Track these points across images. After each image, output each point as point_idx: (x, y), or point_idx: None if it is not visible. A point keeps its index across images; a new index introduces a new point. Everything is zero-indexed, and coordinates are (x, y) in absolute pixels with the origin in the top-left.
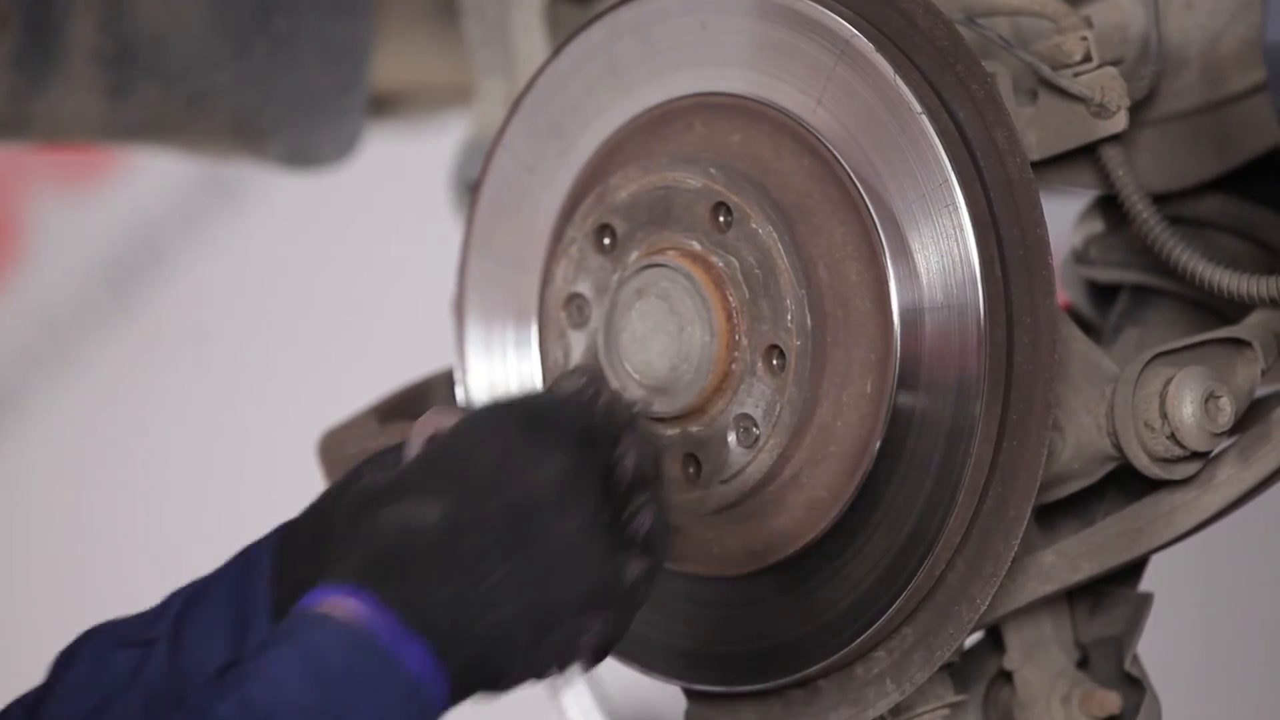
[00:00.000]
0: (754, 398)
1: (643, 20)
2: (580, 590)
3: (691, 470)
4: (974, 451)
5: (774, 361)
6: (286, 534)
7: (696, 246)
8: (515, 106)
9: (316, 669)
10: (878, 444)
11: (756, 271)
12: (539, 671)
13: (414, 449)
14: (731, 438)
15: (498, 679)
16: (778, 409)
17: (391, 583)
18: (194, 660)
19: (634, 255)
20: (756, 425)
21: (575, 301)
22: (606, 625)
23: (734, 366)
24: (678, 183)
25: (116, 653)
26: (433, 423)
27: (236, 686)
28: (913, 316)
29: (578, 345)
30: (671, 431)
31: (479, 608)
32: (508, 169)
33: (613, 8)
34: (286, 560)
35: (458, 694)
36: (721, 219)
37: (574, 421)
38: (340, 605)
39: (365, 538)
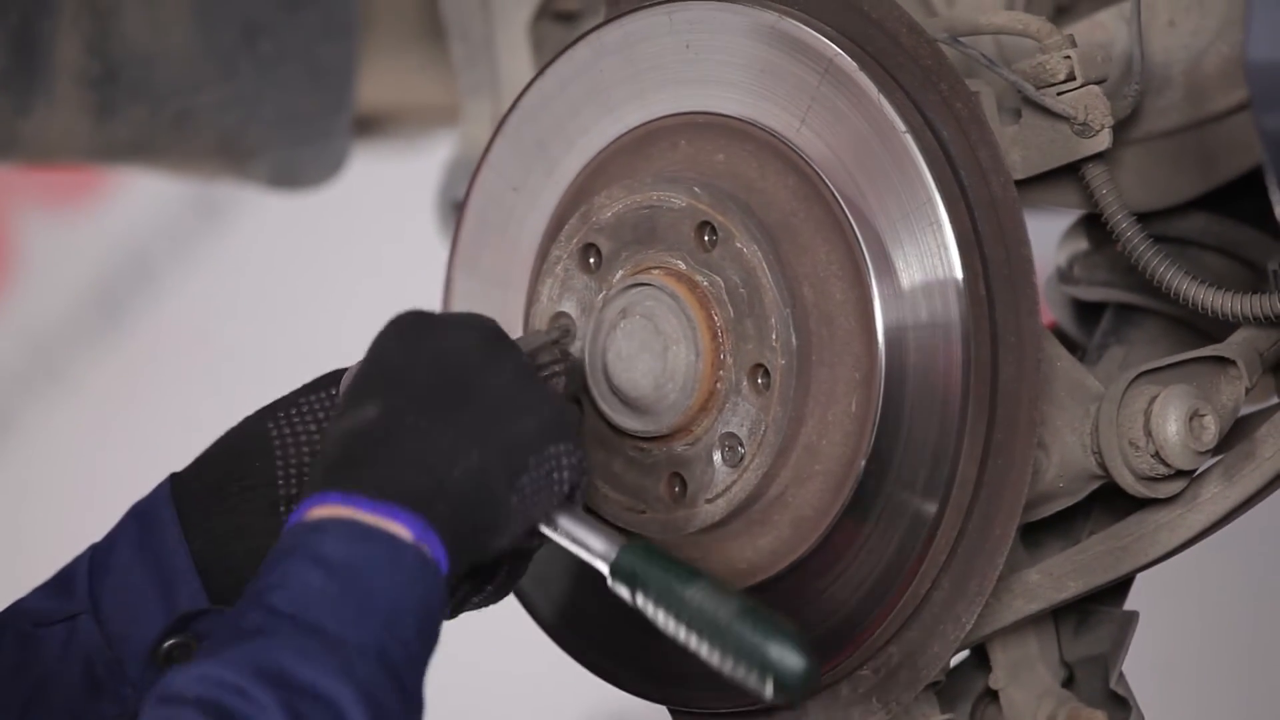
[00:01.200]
0: (739, 417)
1: (627, 40)
2: (532, 426)
3: (677, 489)
4: (959, 471)
5: (759, 380)
6: (179, 487)
7: (681, 265)
8: (500, 126)
9: (328, 567)
10: (863, 462)
11: (741, 290)
12: (526, 518)
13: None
14: (717, 456)
15: (489, 530)
16: (763, 428)
17: (353, 475)
18: (123, 626)
19: (619, 274)
20: (742, 444)
21: (561, 320)
22: (570, 458)
23: (719, 385)
24: (662, 202)
25: (40, 631)
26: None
27: (259, 602)
28: (897, 335)
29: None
30: (657, 451)
31: (444, 465)
32: (493, 188)
33: (597, 28)
34: (190, 510)
35: (456, 553)
36: (706, 238)
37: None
38: (319, 510)
39: (320, 458)
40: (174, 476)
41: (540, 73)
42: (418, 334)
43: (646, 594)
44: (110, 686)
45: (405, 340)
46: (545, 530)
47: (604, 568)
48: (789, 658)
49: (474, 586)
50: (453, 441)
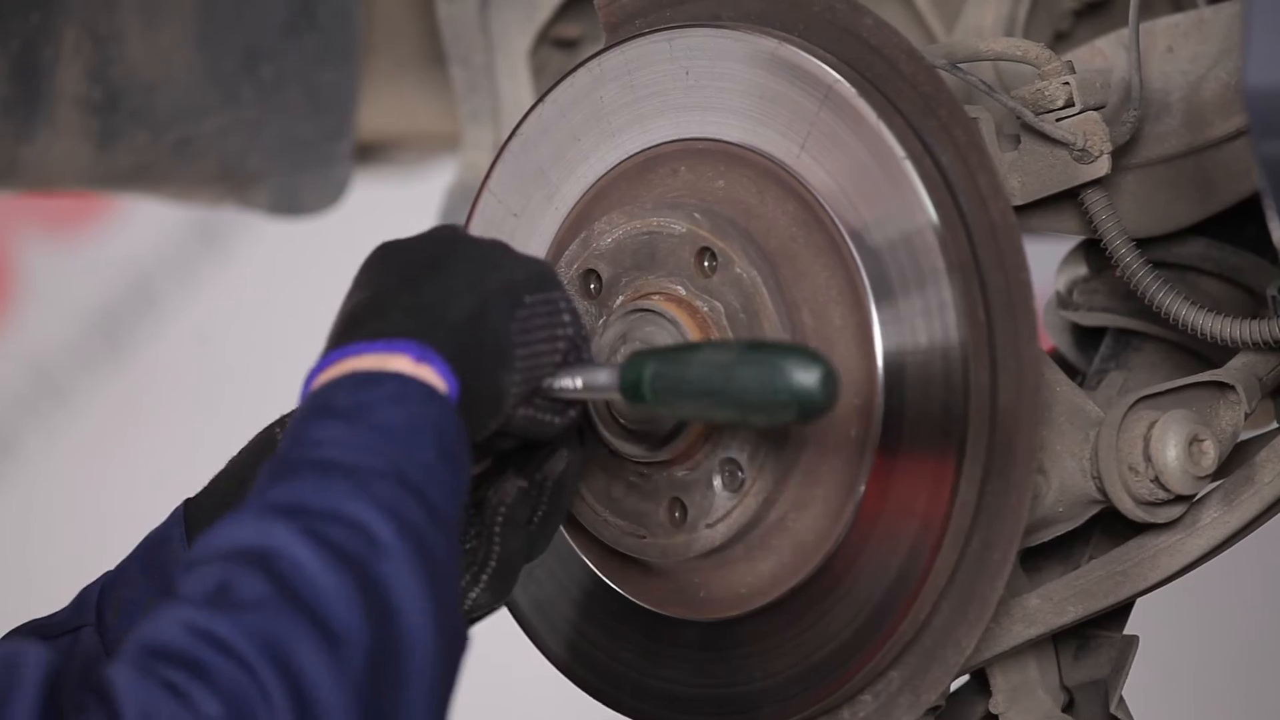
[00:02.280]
0: (739, 442)
1: (627, 66)
2: (524, 274)
3: (677, 514)
4: (958, 496)
5: None
6: (191, 508)
7: (681, 291)
8: (501, 151)
9: (335, 413)
10: (862, 488)
11: (741, 316)
12: (531, 359)
13: None
14: (717, 482)
15: (494, 356)
16: (762, 453)
17: (355, 332)
18: (123, 636)
19: (619, 299)
20: (742, 469)
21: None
22: (567, 304)
23: None
24: (662, 228)
25: (42, 645)
26: None
27: (274, 461)
28: (896, 362)
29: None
30: (657, 476)
31: (441, 305)
32: (493, 213)
33: (596, 55)
34: (199, 524)
35: (463, 375)
36: (706, 263)
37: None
38: (323, 375)
39: (336, 324)
40: (187, 500)
41: (541, 99)
42: (402, 240)
43: (658, 392)
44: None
45: (390, 245)
46: (556, 385)
47: (616, 395)
48: (801, 374)
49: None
50: (446, 287)
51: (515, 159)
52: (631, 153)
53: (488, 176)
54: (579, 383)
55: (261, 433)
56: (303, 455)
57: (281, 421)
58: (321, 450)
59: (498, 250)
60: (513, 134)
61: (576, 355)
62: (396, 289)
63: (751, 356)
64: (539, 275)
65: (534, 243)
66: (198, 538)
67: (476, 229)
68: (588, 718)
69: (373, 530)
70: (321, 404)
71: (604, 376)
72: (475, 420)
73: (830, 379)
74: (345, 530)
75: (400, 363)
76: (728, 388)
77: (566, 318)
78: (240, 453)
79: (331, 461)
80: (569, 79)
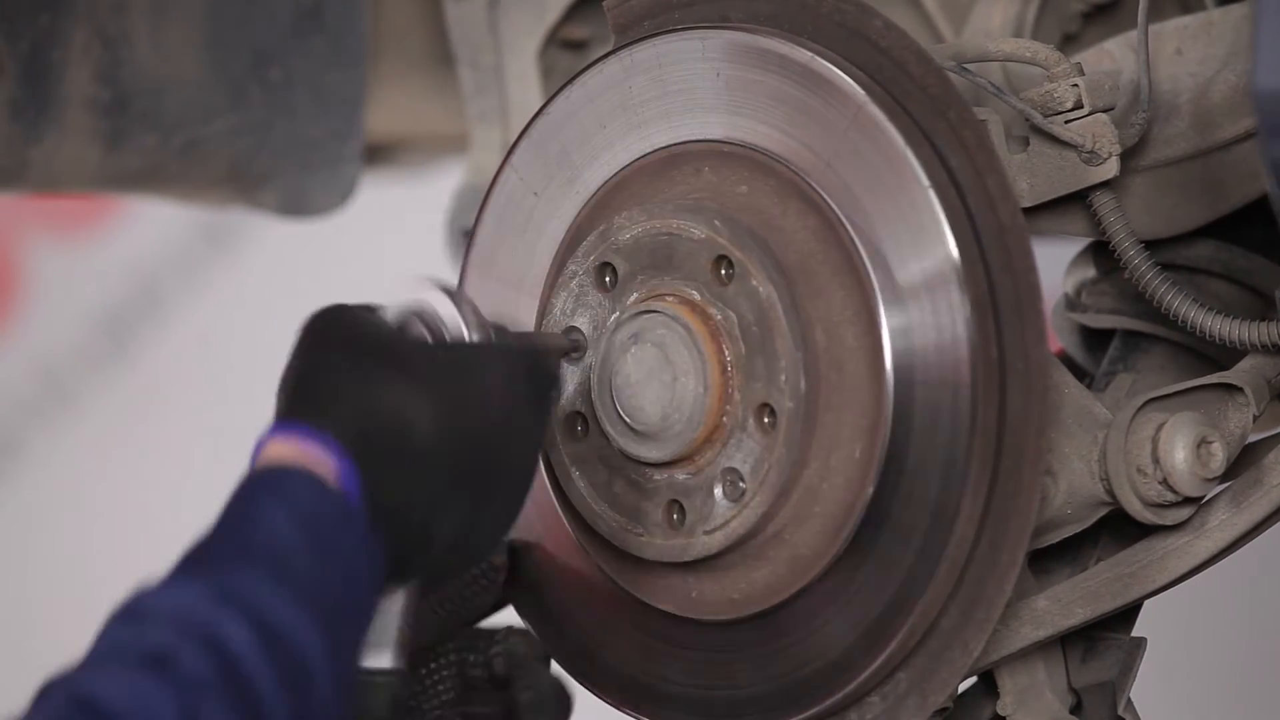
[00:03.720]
0: (743, 453)
1: (658, 60)
2: (513, 515)
3: (675, 516)
4: (961, 515)
5: (765, 420)
6: None
7: (696, 296)
8: (526, 129)
9: (299, 517)
10: (863, 510)
11: (754, 329)
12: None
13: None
14: (718, 490)
15: (404, 572)
16: (766, 467)
17: (374, 466)
18: None
19: (633, 296)
20: (743, 480)
21: (572, 335)
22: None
23: (725, 420)
24: (682, 231)
25: None
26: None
27: (236, 536)
28: (905, 386)
29: (570, 378)
30: (658, 477)
31: (428, 515)
32: (514, 190)
33: (628, 45)
34: None
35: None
36: (723, 271)
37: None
38: (321, 461)
39: (358, 400)
40: None
41: (569, 82)
42: (519, 379)
43: None
44: None
45: (500, 372)
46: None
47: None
48: None
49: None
50: (457, 502)
51: (540, 138)
52: (657, 146)
53: (511, 152)
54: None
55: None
56: (259, 543)
57: None
58: (278, 546)
59: (527, 481)
60: (539, 113)
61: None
62: (452, 455)
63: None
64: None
65: (553, 224)
66: (143, 586)
67: (496, 203)
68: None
69: (314, 672)
70: (280, 491)
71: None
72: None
73: None
74: (293, 658)
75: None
76: None
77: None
78: None
79: (286, 565)
80: (599, 65)
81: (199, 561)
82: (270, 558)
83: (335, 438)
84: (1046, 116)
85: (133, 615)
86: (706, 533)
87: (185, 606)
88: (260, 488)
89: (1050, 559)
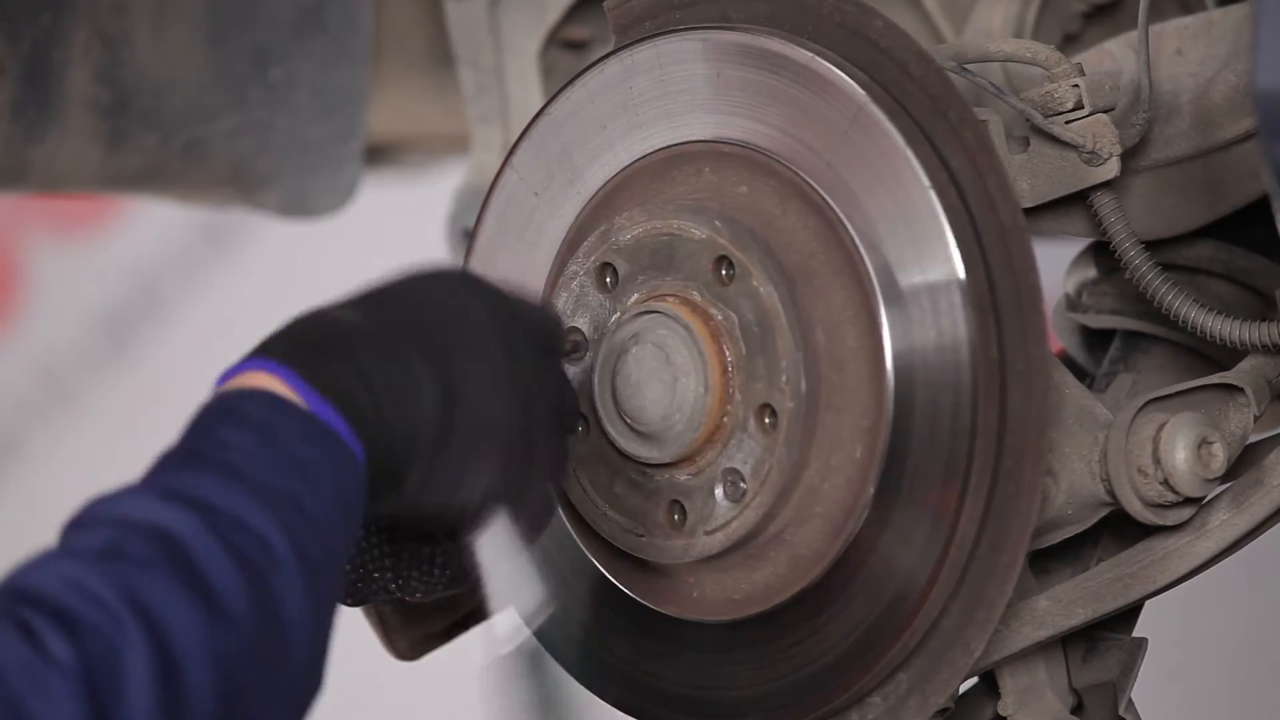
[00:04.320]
0: (744, 453)
1: (659, 61)
2: (491, 413)
3: (676, 517)
4: (966, 507)
5: (766, 420)
6: None
7: (697, 297)
8: (527, 129)
9: (252, 424)
10: (864, 511)
11: (755, 329)
12: (446, 490)
13: None
14: (719, 490)
15: (403, 467)
16: (767, 467)
17: (302, 355)
18: None
19: (634, 297)
20: (744, 480)
21: (573, 336)
22: (503, 472)
23: (726, 420)
24: (682, 231)
25: None
26: None
27: (185, 451)
28: (906, 386)
29: (572, 379)
30: (659, 477)
31: (389, 397)
32: (514, 189)
33: (629, 45)
34: None
35: (371, 475)
36: (724, 272)
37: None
38: (252, 377)
39: (288, 330)
40: None
41: (570, 83)
42: (454, 284)
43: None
44: None
45: (439, 280)
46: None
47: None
48: None
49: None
50: (418, 379)
51: (541, 138)
52: (657, 147)
53: (512, 152)
54: (492, 572)
55: None
56: (209, 452)
57: None
58: (229, 454)
59: (496, 376)
60: (540, 113)
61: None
62: (374, 335)
63: None
64: (501, 426)
65: (554, 225)
66: (101, 496)
67: (496, 204)
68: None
69: (272, 546)
70: (232, 410)
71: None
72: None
73: None
74: (246, 537)
75: (322, 414)
76: None
77: (478, 489)
78: None
79: (238, 468)
80: (599, 66)
81: (146, 475)
82: (220, 462)
83: (270, 356)
84: (1047, 117)
85: (79, 524)
86: (707, 533)
87: (130, 507)
88: (211, 411)
89: (1051, 559)
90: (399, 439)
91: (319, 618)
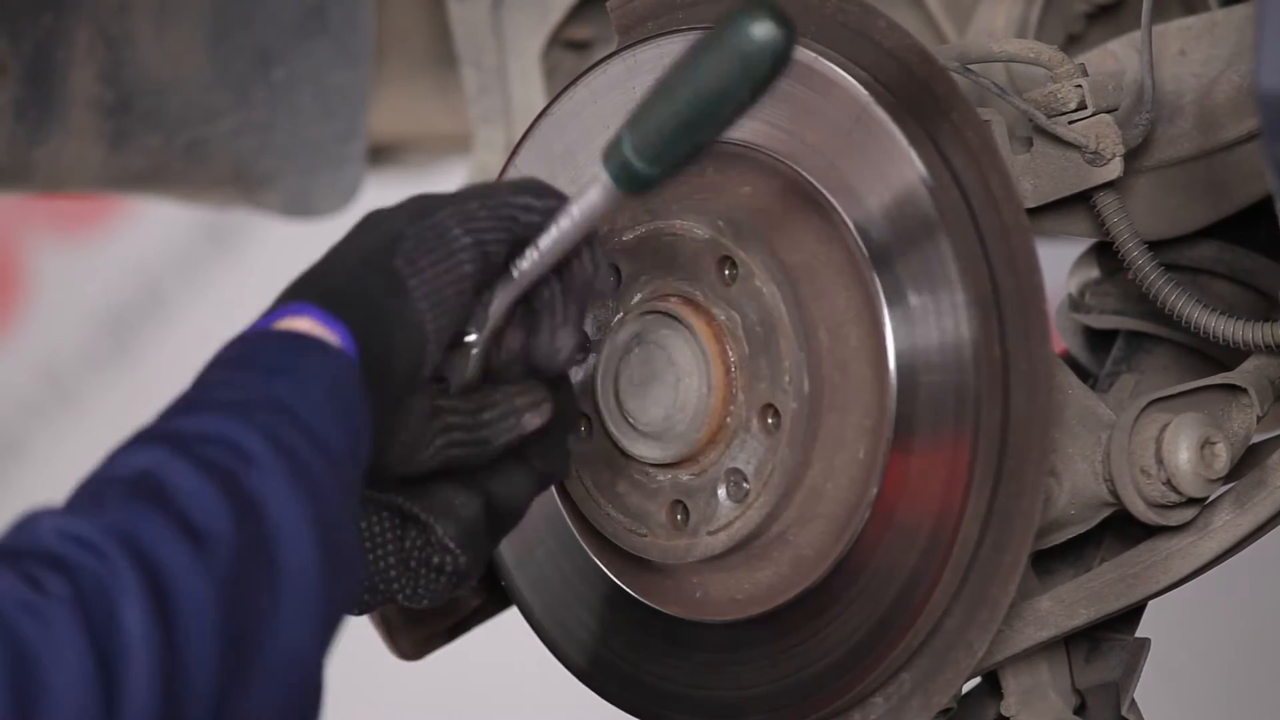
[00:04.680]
0: (746, 454)
1: (662, 61)
2: (396, 220)
3: (679, 517)
4: (969, 508)
5: (769, 420)
6: None
7: (699, 297)
8: (530, 130)
9: (217, 363)
10: (867, 511)
11: (758, 329)
12: (438, 288)
13: None
14: (722, 491)
15: (390, 299)
16: (769, 468)
17: (293, 290)
18: None
19: (637, 297)
20: (747, 481)
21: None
22: (456, 228)
23: (729, 421)
24: (685, 231)
25: None
26: None
27: (159, 414)
28: (909, 386)
29: (574, 379)
30: (662, 477)
31: (322, 274)
32: None
33: (632, 45)
34: None
35: (370, 334)
36: (727, 272)
37: None
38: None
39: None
40: None
41: (573, 83)
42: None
43: (650, 151)
44: None
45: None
46: (521, 266)
47: (612, 199)
48: (757, 30)
49: (439, 517)
50: (336, 259)
51: (544, 139)
52: None
53: (514, 153)
54: (551, 234)
55: None
56: (190, 396)
57: None
58: (207, 392)
59: (386, 210)
60: (543, 113)
61: (496, 256)
62: (352, 262)
63: (706, 47)
64: (415, 210)
65: None
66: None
67: None
68: (579, 708)
69: (244, 446)
70: (216, 358)
71: (591, 196)
72: (402, 365)
73: (785, 25)
74: (215, 447)
75: (283, 323)
76: (700, 89)
77: (457, 230)
78: None
79: (211, 399)
80: (602, 66)
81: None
82: (197, 400)
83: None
84: (1050, 117)
85: (76, 489)
86: (710, 533)
87: (117, 461)
88: (204, 366)
89: (1054, 560)
90: (360, 292)
91: (317, 503)
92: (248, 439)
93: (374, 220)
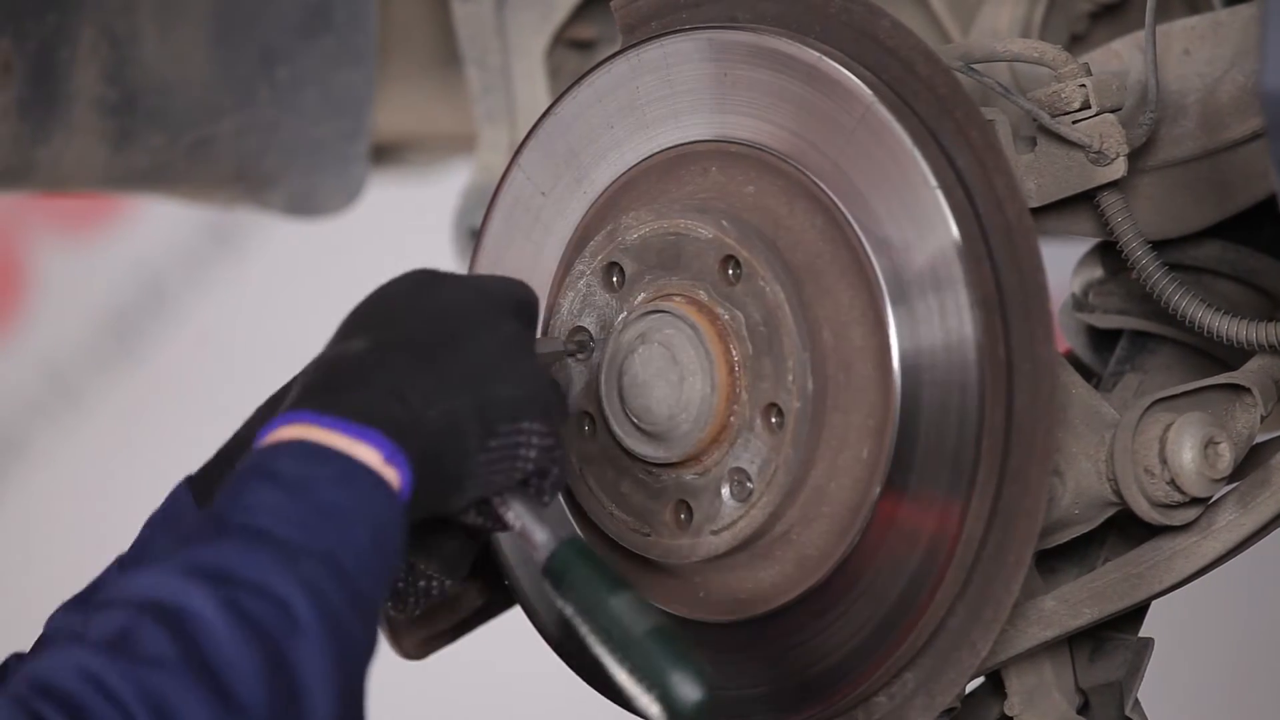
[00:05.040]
0: (750, 453)
1: (665, 61)
2: (513, 395)
3: (683, 516)
4: (972, 507)
5: (772, 420)
6: (195, 482)
7: (703, 296)
8: (534, 129)
9: (279, 481)
10: (869, 510)
11: (762, 329)
12: (486, 484)
13: None
14: (725, 490)
15: (453, 481)
16: (773, 467)
17: (332, 398)
18: None
19: (641, 296)
20: (751, 480)
21: (579, 335)
22: (543, 440)
23: (732, 420)
24: (689, 230)
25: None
26: None
27: (209, 516)
28: (913, 386)
29: (579, 378)
30: (666, 477)
31: (421, 403)
32: (521, 189)
33: (636, 45)
34: (207, 496)
35: (421, 488)
36: (730, 271)
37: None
38: (285, 430)
39: (299, 380)
40: (189, 478)
41: (576, 82)
42: (425, 283)
43: (570, 594)
44: None
45: (409, 285)
46: (499, 509)
47: (540, 558)
48: (686, 687)
49: (423, 556)
50: (435, 385)
51: (548, 138)
52: (664, 146)
53: (518, 152)
54: (518, 523)
55: (266, 402)
56: (236, 519)
57: (286, 391)
58: (256, 517)
59: (506, 354)
60: (546, 113)
61: (534, 485)
62: (392, 358)
63: (660, 641)
64: (531, 400)
65: (560, 224)
66: (130, 571)
67: (503, 203)
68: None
69: (292, 608)
70: (266, 467)
71: (540, 536)
72: (437, 511)
73: (704, 714)
74: (264, 604)
75: (365, 453)
76: (625, 644)
77: (534, 454)
78: (243, 427)
79: (263, 531)
80: (607, 65)
81: (177, 549)
82: (245, 527)
83: (296, 408)
84: (1054, 116)
85: (103, 604)
86: (714, 533)
87: (151, 585)
88: (244, 472)
89: (1058, 559)
90: (443, 434)
91: (349, 670)
92: (295, 598)
93: (495, 365)
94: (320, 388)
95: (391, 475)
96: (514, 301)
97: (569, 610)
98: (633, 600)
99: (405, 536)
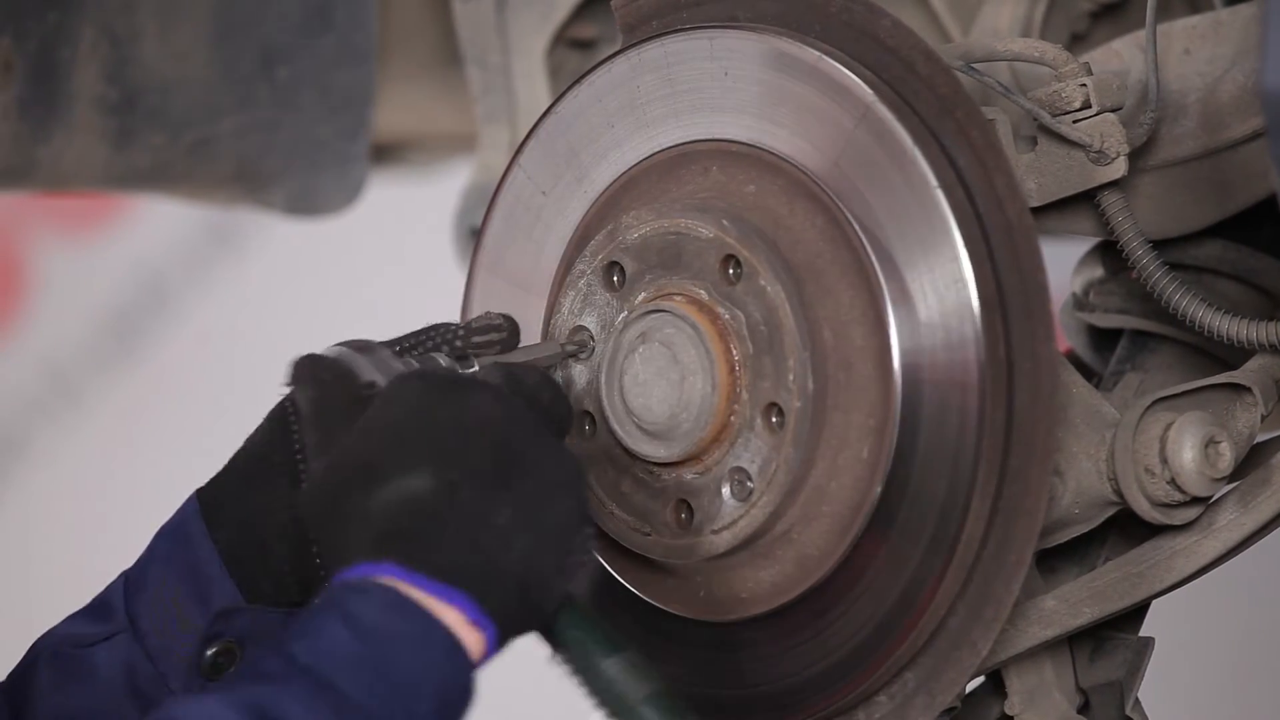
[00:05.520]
0: (750, 452)
1: (666, 60)
2: (573, 507)
3: (684, 516)
4: (969, 515)
5: (773, 419)
6: (204, 494)
7: (704, 295)
8: (534, 129)
9: (356, 628)
10: (870, 509)
11: (762, 328)
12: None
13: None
14: (726, 489)
15: (540, 611)
16: (774, 466)
17: (413, 550)
18: (162, 639)
19: (641, 296)
20: (751, 479)
21: (579, 335)
22: (592, 534)
23: (733, 419)
24: (690, 230)
25: (80, 653)
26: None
27: (282, 649)
28: (913, 386)
29: (580, 378)
30: (666, 476)
31: (500, 547)
32: (522, 189)
33: (636, 44)
34: (215, 508)
35: (506, 634)
36: (731, 271)
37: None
38: (374, 578)
39: (365, 522)
40: (199, 491)
41: (577, 82)
42: (448, 391)
43: (565, 653)
44: (155, 700)
45: (437, 398)
46: None
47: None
48: None
49: None
50: (509, 521)
51: (548, 137)
52: (665, 146)
53: (519, 151)
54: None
55: (273, 414)
56: (309, 659)
57: (292, 398)
58: (326, 667)
59: (556, 463)
60: (547, 112)
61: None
62: (463, 499)
63: (657, 707)
64: (584, 503)
65: (561, 223)
66: (182, 698)
67: (504, 202)
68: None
69: None
70: (349, 607)
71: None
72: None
73: None
74: None
75: (448, 613)
76: (621, 708)
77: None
78: (251, 439)
79: (331, 683)
80: (607, 65)
81: (242, 674)
82: (314, 675)
83: (376, 558)
84: (1054, 116)
85: None
86: (714, 532)
87: (213, 715)
88: (329, 603)
89: (1058, 558)
90: (524, 574)
91: None
92: None
93: (556, 481)
94: (395, 535)
95: (472, 638)
96: (525, 390)
97: (566, 670)
98: (629, 664)
99: (474, 695)
